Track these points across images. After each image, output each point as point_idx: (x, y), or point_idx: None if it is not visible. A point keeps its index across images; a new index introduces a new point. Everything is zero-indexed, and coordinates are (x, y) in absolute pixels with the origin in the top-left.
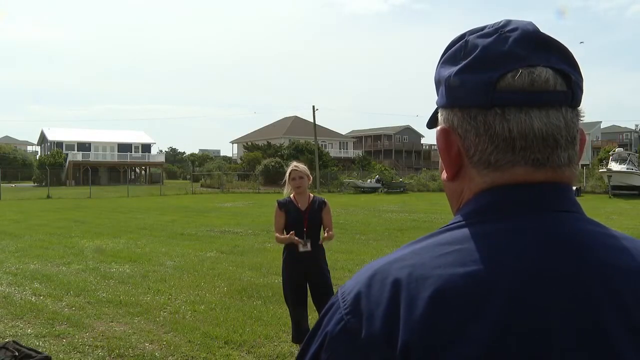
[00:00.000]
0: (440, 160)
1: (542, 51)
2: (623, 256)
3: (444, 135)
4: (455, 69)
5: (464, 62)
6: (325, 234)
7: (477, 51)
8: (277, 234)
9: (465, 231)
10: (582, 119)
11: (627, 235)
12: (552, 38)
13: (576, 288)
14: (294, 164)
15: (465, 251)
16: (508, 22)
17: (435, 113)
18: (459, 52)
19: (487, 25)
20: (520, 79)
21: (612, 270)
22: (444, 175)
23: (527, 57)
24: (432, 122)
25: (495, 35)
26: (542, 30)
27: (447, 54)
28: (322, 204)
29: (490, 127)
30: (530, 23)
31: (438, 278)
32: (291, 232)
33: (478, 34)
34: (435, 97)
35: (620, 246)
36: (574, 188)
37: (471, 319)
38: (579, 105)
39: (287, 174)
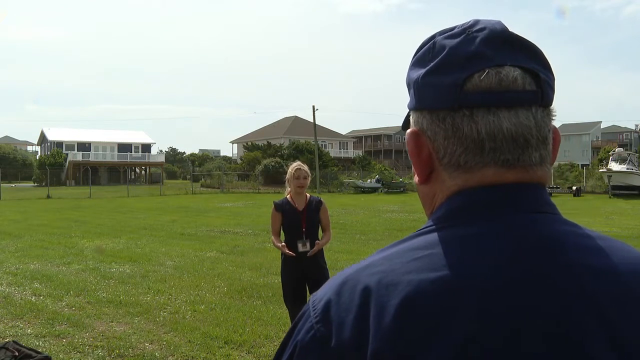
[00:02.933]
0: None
1: (510, 50)
2: (597, 256)
3: (413, 138)
4: (423, 71)
5: (431, 64)
6: (316, 242)
7: (444, 52)
8: (274, 237)
9: (436, 235)
10: (554, 117)
11: (603, 234)
12: (520, 37)
13: (549, 290)
14: (298, 163)
15: (435, 256)
16: (476, 22)
17: (408, 116)
18: (427, 53)
19: (457, 26)
20: (487, 79)
21: (585, 271)
22: (416, 178)
23: (494, 57)
24: (406, 125)
25: (462, 36)
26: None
27: (416, 55)
28: (319, 203)
29: (459, 128)
30: (499, 22)
31: (408, 284)
32: (283, 245)
33: (446, 34)
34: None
35: (595, 246)
36: (574, 188)
37: (441, 325)
38: (550, 105)
39: (291, 172)
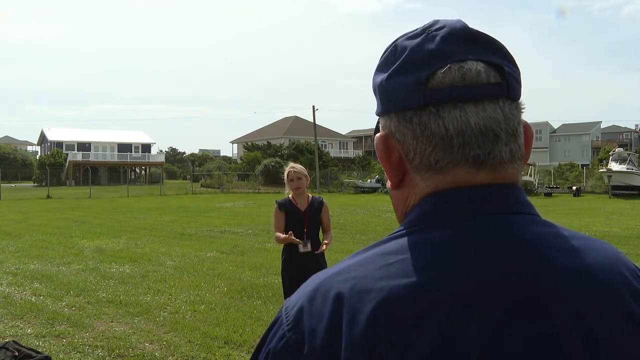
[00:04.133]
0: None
1: (471, 46)
2: (573, 257)
3: (383, 142)
4: (386, 74)
5: (394, 66)
6: (324, 242)
7: (406, 53)
8: (278, 234)
9: (408, 239)
10: (523, 111)
11: (580, 234)
12: (481, 32)
13: (524, 291)
14: (291, 165)
15: (408, 261)
16: (436, 22)
17: (378, 123)
18: (390, 57)
19: (418, 28)
20: (450, 75)
21: (561, 271)
22: (389, 183)
23: (455, 53)
24: (377, 133)
25: (423, 36)
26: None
27: (380, 60)
28: (321, 203)
29: (426, 127)
30: (459, 20)
31: (380, 290)
32: (290, 233)
33: (407, 36)
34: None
35: (571, 246)
36: (574, 188)
37: (414, 331)
38: (518, 98)
39: (285, 175)
